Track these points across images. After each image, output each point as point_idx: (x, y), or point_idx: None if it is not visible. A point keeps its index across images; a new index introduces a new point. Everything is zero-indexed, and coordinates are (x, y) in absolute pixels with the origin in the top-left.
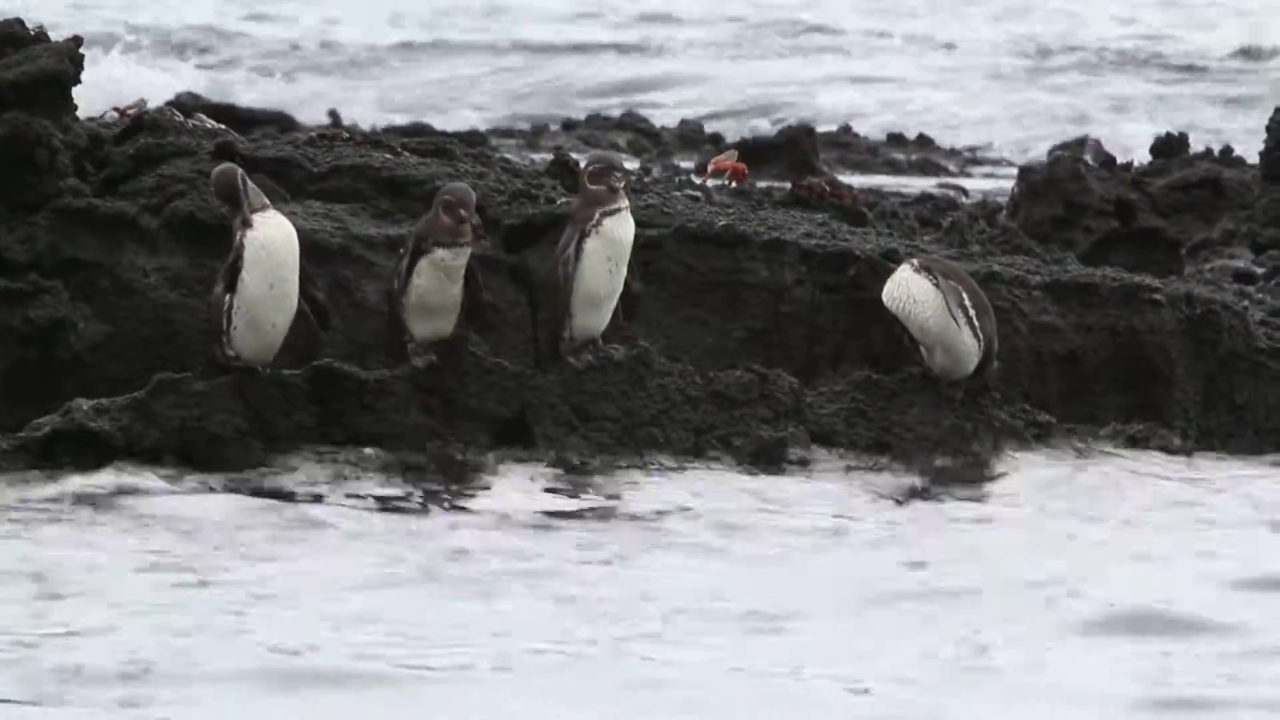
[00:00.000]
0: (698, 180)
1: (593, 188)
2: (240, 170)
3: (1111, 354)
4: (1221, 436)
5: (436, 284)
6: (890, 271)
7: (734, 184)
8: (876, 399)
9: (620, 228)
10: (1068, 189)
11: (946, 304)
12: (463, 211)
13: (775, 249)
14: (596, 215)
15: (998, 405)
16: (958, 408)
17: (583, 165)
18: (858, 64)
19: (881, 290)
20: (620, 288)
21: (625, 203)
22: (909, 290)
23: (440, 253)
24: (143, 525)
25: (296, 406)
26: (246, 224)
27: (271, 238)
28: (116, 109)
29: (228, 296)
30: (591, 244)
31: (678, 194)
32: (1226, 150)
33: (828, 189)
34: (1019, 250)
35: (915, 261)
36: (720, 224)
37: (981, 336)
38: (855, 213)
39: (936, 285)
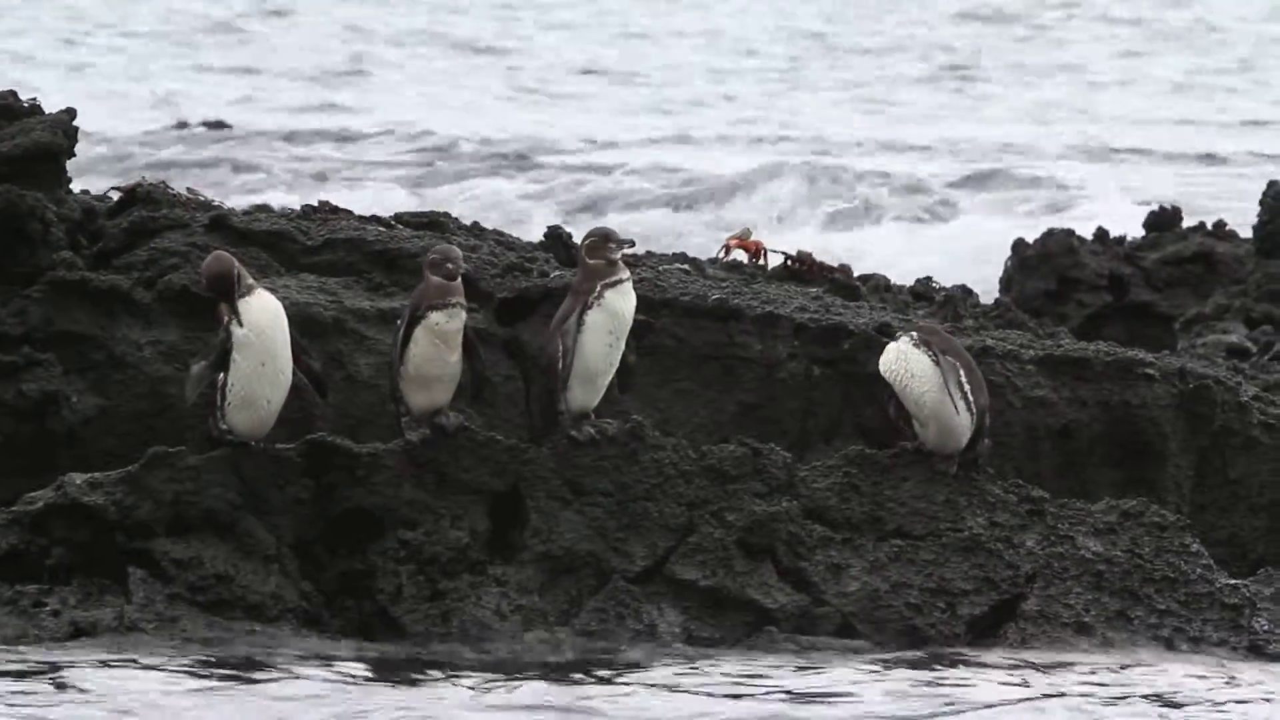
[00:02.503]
0: (719, 258)
1: (591, 261)
2: (234, 263)
3: (1105, 428)
4: (1215, 511)
5: (433, 351)
6: (887, 341)
7: (757, 261)
8: (870, 473)
9: (621, 300)
10: (1061, 263)
11: (945, 382)
12: (449, 265)
13: (769, 323)
14: (598, 287)
15: (991, 480)
16: (951, 483)
17: (580, 242)
18: None
19: (875, 364)
20: (617, 362)
21: (626, 274)
22: (907, 365)
23: (434, 316)
24: None
25: (290, 480)
26: (236, 313)
27: (260, 322)
28: (117, 188)
29: (221, 375)
30: (593, 316)
31: (669, 268)
32: (1219, 224)
33: (822, 262)
34: (1012, 324)
35: (915, 335)
36: (713, 298)
37: (975, 413)
38: (849, 287)
39: (936, 362)
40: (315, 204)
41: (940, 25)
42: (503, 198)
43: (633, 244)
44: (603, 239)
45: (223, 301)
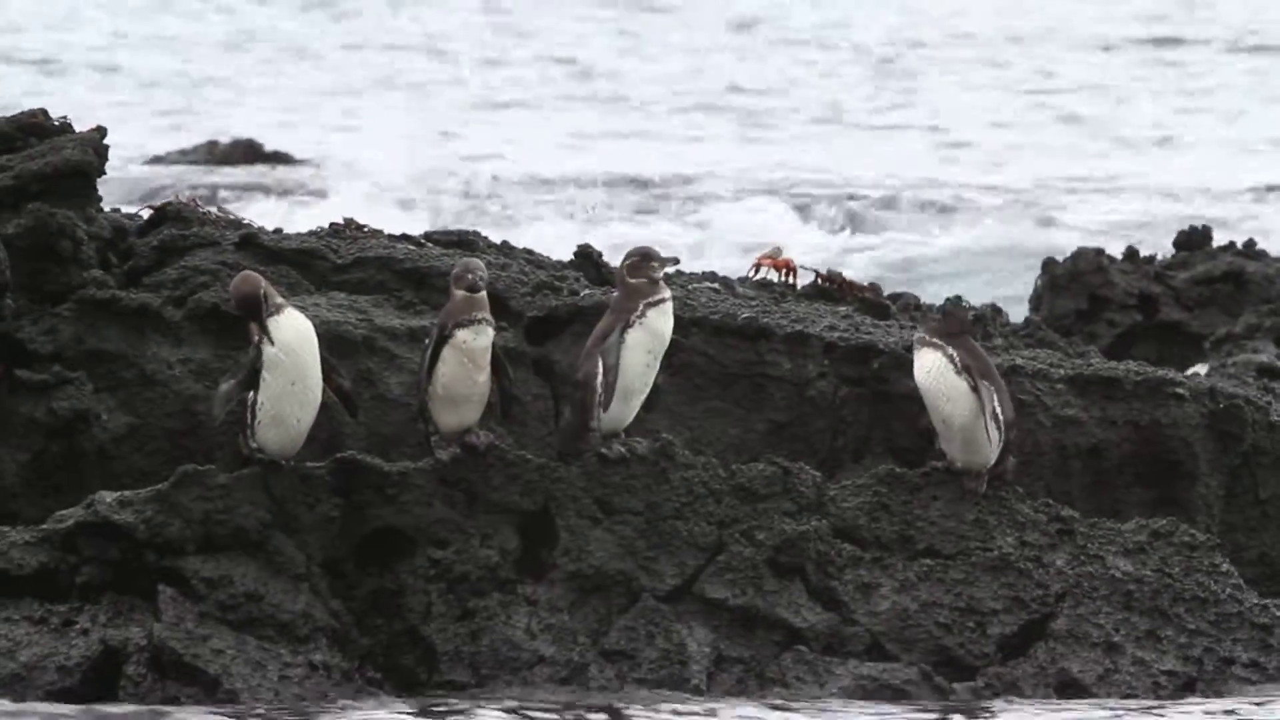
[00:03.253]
0: (749, 276)
1: (633, 280)
2: (261, 283)
3: (1135, 448)
4: (1245, 531)
5: (461, 371)
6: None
7: (789, 280)
8: (900, 492)
9: (663, 320)
10: (1091, 282)
11: (980, 409)
12: (470, 276)
13: (798, 341)
14: (640, 306)
15: (1021, 499)
16: (981, 502)
17: (622, 259)
18: None
19: (905, 383)
20: (651, 382)
21: (668, 294)
22: (942, 387)
23: (461, 334)
24: None
25: (320, 499)
26: (266, 333)
27: (289, 341)
28: (151, 206)
29: (250, 393)
30: (634, 335)
31: (699, 286)
32: (1250, 243)
33: (852, 281)
34: (1042, 343)
35: (957, 359)
36: (743, 316)
37: (1002, 433)
38: (878, 305)
39: (974, 389)
40: (341, 221)
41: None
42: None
43: (677, 261)
44: (644, 258)
45: (252, 321)
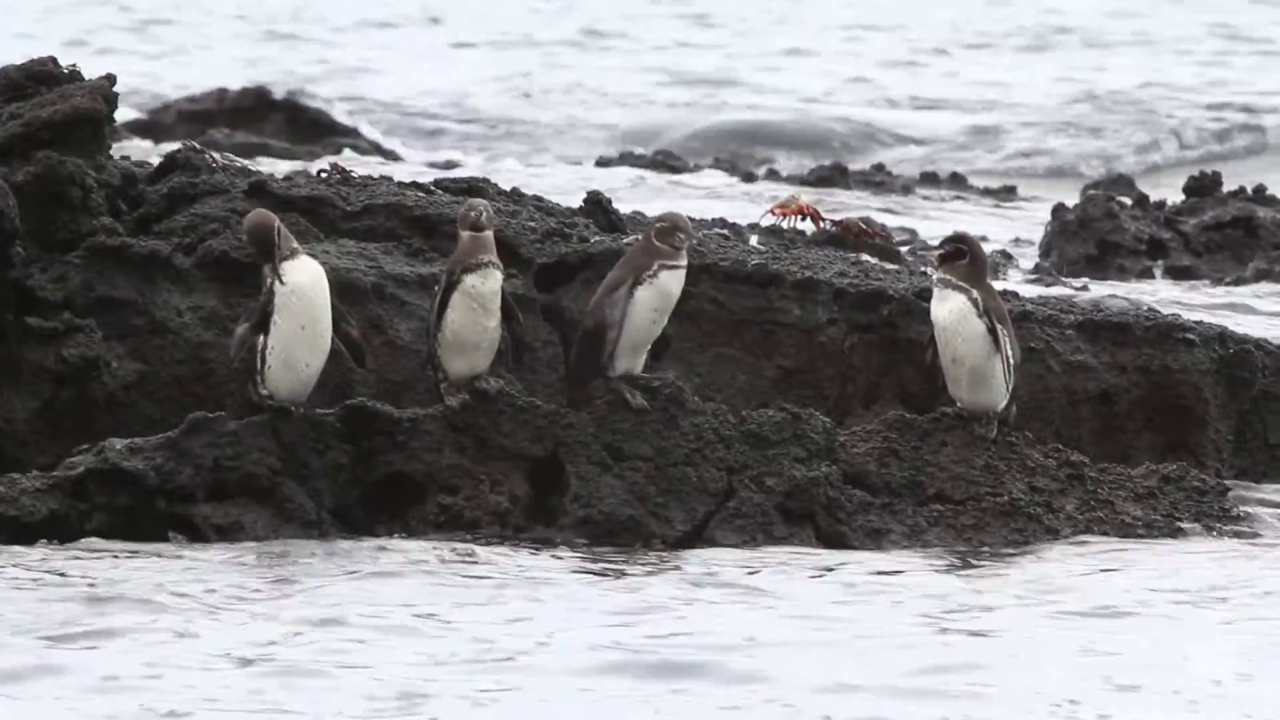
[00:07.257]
0: (767, 224)
1: (658, 243)
2: (275, 219)
3: (1145, 393)
4: (1255, 475)
5: (470, 316)
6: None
7: (812, 224)
8: (910, 438)
9: (674, 282)
10: (1101, 228)
11: (993, 354)
12: (472, 214)
13: (808, 288)
14: (655, 265)
15: (1031, 445)
16: (991, 447)
17: (651, 220)
18: None
19: (915, 330)
20: (657, 335)
21: (684, 260)
22: (960, 328)
23: (469, 279)
24: None
25: (330, 445)
26: (278, 274)
27: (301, 284)
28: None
29: (260, 337)
30: (643, 293)
31: (709, 233)
32: (1260, 189)
33: (864, 228)
34: (1051, 289)
35: (978, 299)
36: (753, 263)
37: (1011, 380)
38: (889, 252)
39: (991, 332)
40: (328, 168)
41: None
42: None
43: (698, 240)
44: (673, 227)
45: (264, 261)
